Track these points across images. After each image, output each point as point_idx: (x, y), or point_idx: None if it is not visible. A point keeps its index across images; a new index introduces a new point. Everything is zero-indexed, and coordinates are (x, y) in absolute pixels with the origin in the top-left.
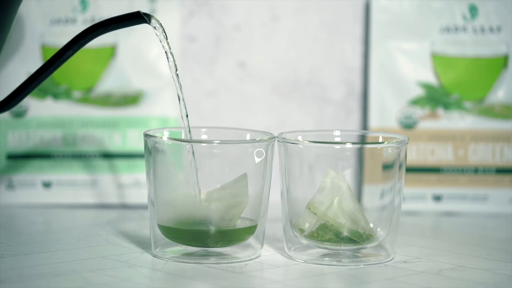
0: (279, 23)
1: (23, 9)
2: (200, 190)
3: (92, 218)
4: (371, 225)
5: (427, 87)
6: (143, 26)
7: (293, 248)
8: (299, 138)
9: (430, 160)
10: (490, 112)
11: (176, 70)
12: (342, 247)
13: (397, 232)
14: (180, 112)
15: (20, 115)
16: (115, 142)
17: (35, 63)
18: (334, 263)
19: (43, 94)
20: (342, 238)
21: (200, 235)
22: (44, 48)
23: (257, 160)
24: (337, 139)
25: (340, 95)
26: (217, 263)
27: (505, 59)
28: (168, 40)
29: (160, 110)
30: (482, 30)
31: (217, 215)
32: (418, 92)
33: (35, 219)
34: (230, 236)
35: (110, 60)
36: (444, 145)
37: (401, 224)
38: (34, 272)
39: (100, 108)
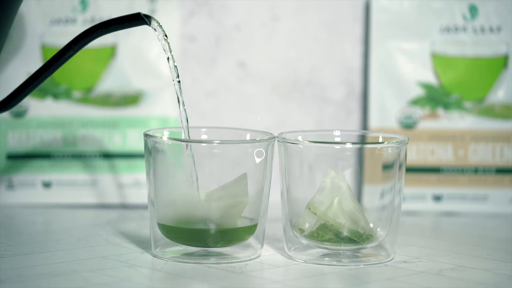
0: (279, 23)
1: (23, 9)
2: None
3: (92, 218)
4: (371, 225)
5: (427, 87)
6: (143, 26)
7: (293, 248)
8: (299, 138)
9: (430, 160)
10: (490, 112)
11: (178, 76)
12: (342, 247)
13: (397, 232)
14: (180, 117)
15: (20, 115)
16: (115, 142)
17: (35, 63)
18: (334, 263)
19: (43, 94)
20: (342, 238)
21: (200, 235)
22: (44, 48)
23: (257, 160)
24: (337, 139)
25: (340, 95)
26: (217, 263)
27: (505, 59)
28: (168, 41)
29: (160, 110)
30: (482, 30)
31: (217, 215)
32: (418, 92)
33: (35, 219)
34: (230, 236)
35: (110, 60)
36: (444, 145)
37: (401, 224)
38: (34, 272)
39: (100, 108)
